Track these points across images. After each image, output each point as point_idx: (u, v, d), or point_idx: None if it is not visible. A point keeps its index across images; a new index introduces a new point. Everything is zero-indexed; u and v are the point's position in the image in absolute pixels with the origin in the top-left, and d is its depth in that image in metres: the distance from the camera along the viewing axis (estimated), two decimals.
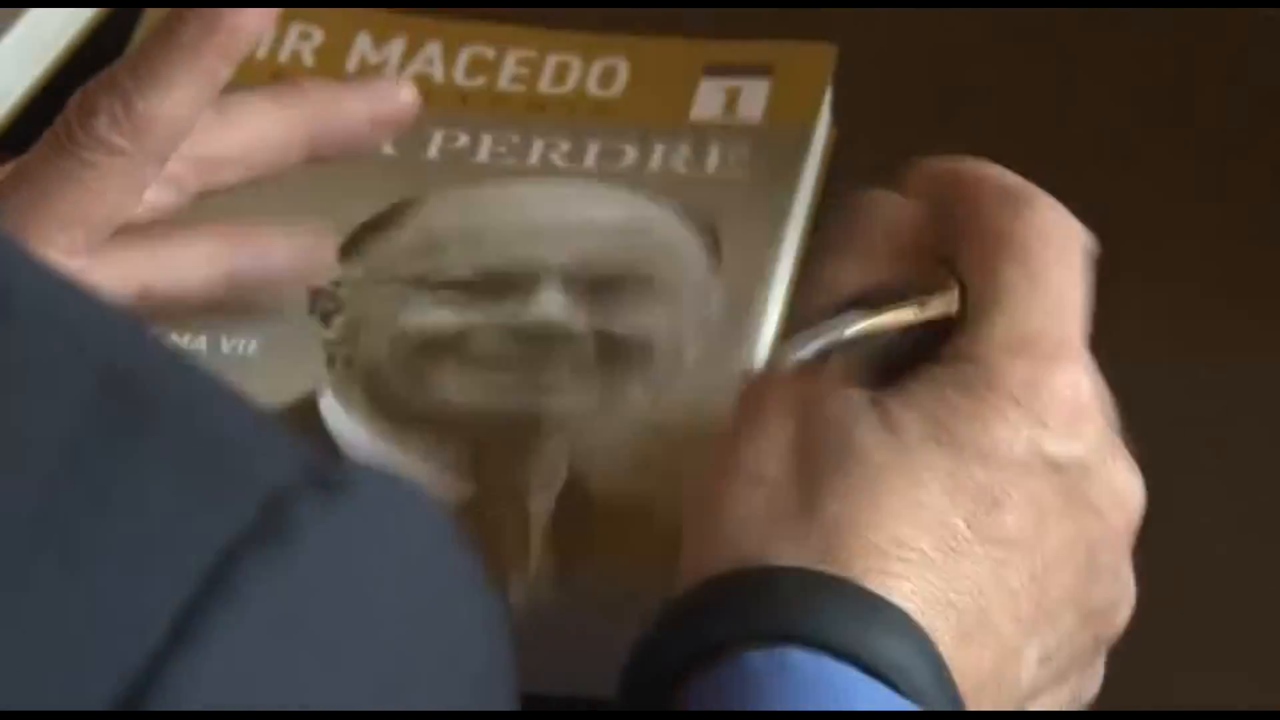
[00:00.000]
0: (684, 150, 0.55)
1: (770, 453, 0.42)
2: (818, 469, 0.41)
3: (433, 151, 0.56)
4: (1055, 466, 0.41)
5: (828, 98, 0.57)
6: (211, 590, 0.24)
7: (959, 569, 0.40)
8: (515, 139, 0.56)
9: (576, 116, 0.57)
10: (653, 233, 0.54)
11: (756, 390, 0.44)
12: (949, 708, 0.39)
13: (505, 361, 0.51)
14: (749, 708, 0.39)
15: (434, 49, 0.59)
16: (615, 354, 0.51)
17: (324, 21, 0.60)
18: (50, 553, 0.25)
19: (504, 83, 0.58)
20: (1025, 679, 0.42)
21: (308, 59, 0.60)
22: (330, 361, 0.50)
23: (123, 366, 0.26)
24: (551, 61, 0.59)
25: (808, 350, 0.42)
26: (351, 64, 0.60)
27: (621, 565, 0.47)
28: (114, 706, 0.24)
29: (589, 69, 0.58)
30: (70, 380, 0.25)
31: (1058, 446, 0.41)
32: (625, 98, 0.58)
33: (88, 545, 0.25)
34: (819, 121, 0.56)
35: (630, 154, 0.55)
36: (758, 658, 0.38)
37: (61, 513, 0.25)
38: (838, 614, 0.39)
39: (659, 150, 0.55)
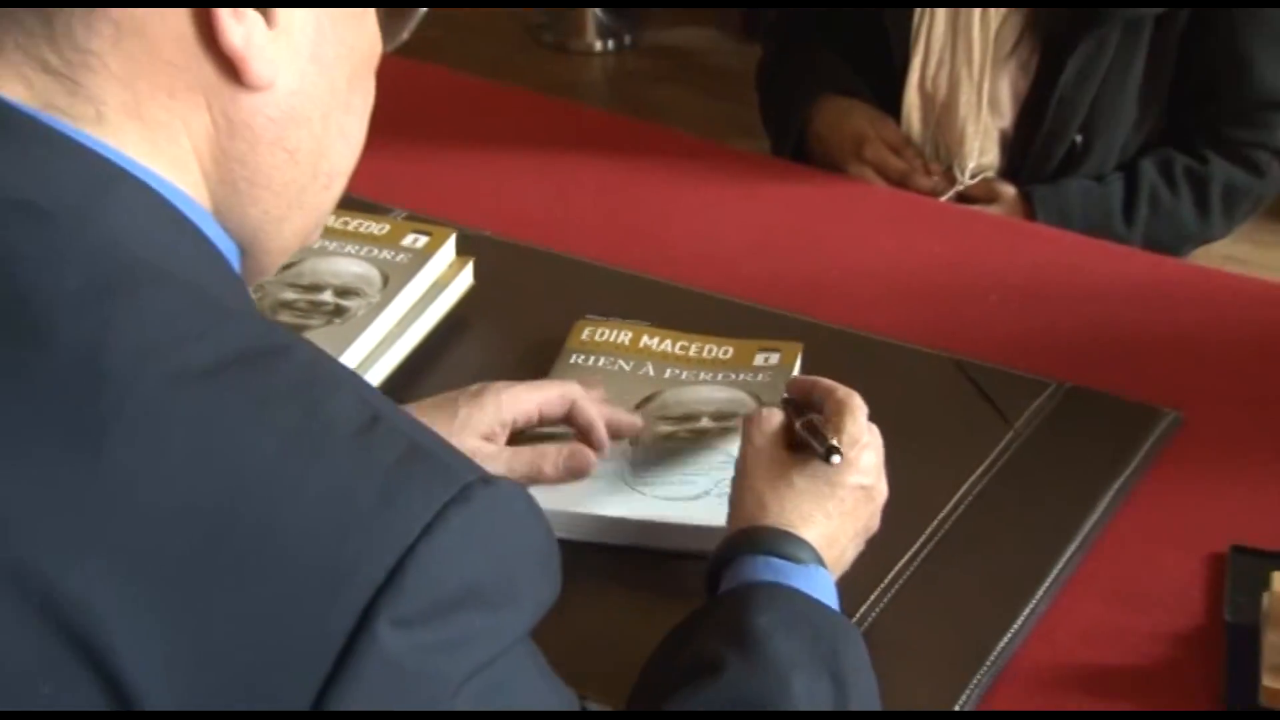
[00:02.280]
0: (749, 375, 0.93)
1: (757, 478, 0.74)
2: (778, 488, 0.72)
3: None
4: (865, 485, 0.73)
5: (798, 362, 0.95)
6: (430, 529, 0.43)
7: (840, 526, 0.72)
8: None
9: (707, 366, 0.95)
10: (743, 402, 0.90)
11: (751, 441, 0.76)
12: (825, 571, 0.69)
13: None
14: (755, 577, 0.68)
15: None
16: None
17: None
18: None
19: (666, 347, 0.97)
20: (847, 557, 0.73)
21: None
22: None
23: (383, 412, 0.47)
24: (703, 346, 0.96)
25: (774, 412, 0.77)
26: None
27: None
28: (376, 588, 0.42)
29: (713, 347, 0.96)
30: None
31: (871, 481, 0.74)
32: (731, 358, 0.95)
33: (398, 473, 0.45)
34: (793, 368, 0.94)
35: (731, 374, 0.94)
36: (757, 559, 0.69)
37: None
38: (786, 543, 0.69)
39: (740, 375, 0.93)
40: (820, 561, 0.69)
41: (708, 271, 1.05)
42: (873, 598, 0.76)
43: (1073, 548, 0.80)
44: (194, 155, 0.50)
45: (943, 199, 1.20)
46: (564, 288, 1.03)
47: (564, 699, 0.50)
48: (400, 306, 0.96)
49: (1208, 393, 0.92)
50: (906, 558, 0.79)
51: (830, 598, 0.68)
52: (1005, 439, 0.88)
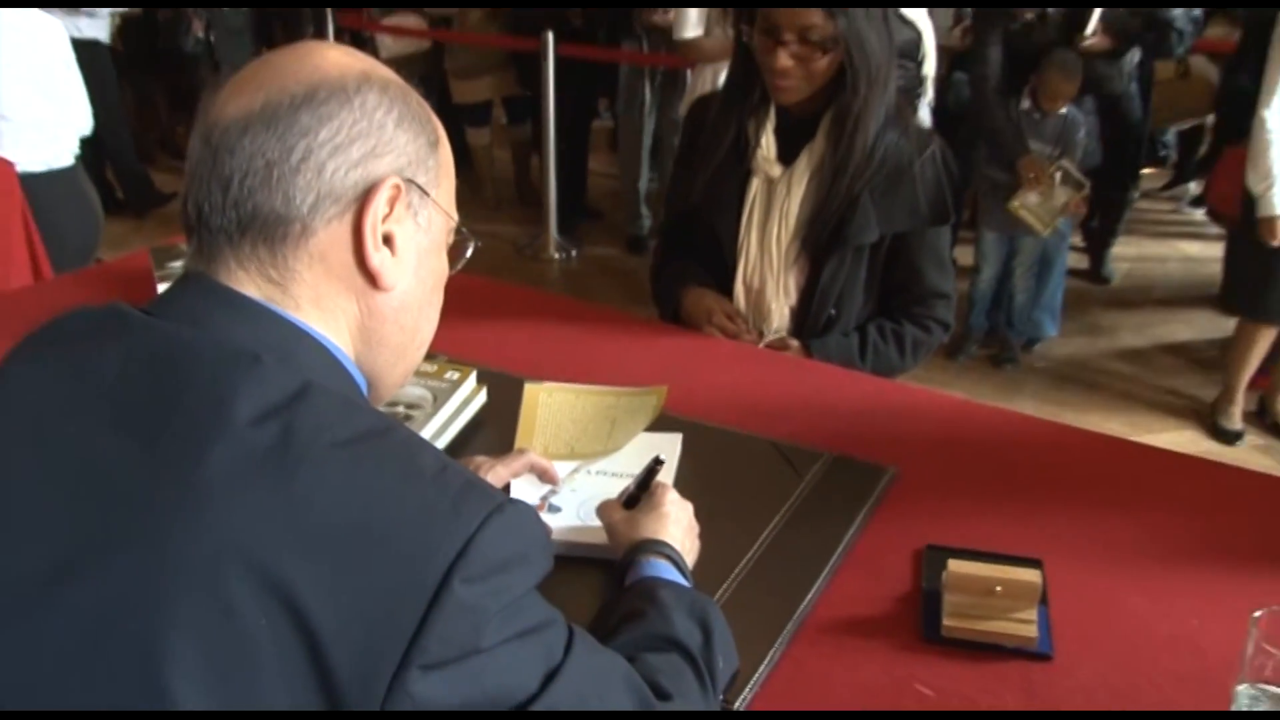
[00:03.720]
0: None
1: (619, 518, 0.75)
2: (633, 525, 0.73)
3: None
4: (674, 508, 0.75)
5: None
6: (481, 526, 0.45)
7: (672, 532, 0.72)
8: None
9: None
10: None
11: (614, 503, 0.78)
12: (685, 567, 0.70)
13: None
14: (644, 574, 0.68)
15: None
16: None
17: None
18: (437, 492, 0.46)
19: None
20: (686, 545, 0.73)
21: None
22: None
23: (447, 464, 0.47)
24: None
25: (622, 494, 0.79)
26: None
27: None
28: (452, 561, 0.44)
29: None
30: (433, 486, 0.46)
31: (677, 506, 0.75)
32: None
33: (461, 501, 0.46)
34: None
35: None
36: (646, 559, 0.69)
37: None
38: (657, 545, 0.70)
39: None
40: (676, 550, 0.71)
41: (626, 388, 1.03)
42: (726, 583, 0.77)
43: (839, 550, 0.81)
44: (346, 327, 0.53)
45: (759, 346, 1.21)
46: None
47: (553, 614, 0.51)
48: (443, 415, 0.96)
49: (913, 456, 0.94)
50: (745, 559, 0.80)
51: (684, 579, 0.70)
52: (799, 487, 0.89)
